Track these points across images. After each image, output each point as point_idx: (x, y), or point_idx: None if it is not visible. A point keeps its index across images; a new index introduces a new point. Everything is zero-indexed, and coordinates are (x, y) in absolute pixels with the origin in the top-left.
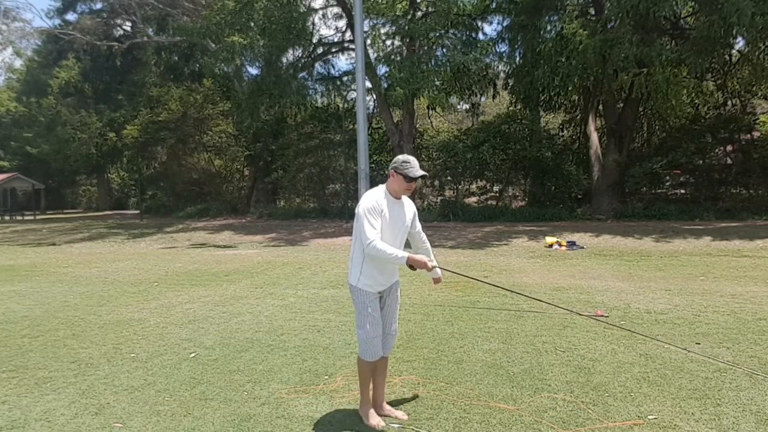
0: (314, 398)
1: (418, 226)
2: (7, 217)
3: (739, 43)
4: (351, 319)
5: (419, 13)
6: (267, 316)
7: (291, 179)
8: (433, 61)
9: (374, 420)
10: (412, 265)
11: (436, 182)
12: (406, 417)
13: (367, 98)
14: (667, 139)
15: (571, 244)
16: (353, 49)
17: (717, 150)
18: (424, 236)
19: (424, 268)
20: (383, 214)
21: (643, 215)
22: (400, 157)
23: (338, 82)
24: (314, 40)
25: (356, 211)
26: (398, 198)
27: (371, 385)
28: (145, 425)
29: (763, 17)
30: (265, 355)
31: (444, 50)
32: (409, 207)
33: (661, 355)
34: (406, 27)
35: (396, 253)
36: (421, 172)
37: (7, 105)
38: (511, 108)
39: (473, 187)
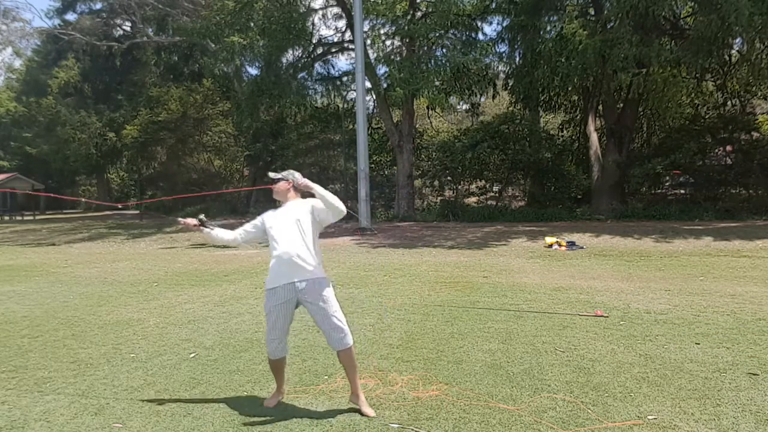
0: (314, 398)
1: (316, 211)
2: (6, 218)
3: (738, 44)
4: (351, 319)
5: (419, 14)
6: None
7: None
8: (432, 61)
9: (269, 402)
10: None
11: (436, 182)
12: (373, 414)
13: (367, 98)
14: (666, 140)
15: (571, 245)
16: (353, 50)
17: (717, 150)
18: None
19: (189, 225)
20: (262, 223)
21: (643, 215)
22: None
23: (338, 82)
24: (314, 41)
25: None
26: (283, 201)
27: (284, 377)
28: (145, 425)
29: (762, 17)
30: (265, 356)
31: (444, 50)
32: (297, 207)
33: (661, 356)
34: (406, 27)
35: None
36: (272, 175)
37: (7, 105)
38: (510, 108)
39: (473, 187)
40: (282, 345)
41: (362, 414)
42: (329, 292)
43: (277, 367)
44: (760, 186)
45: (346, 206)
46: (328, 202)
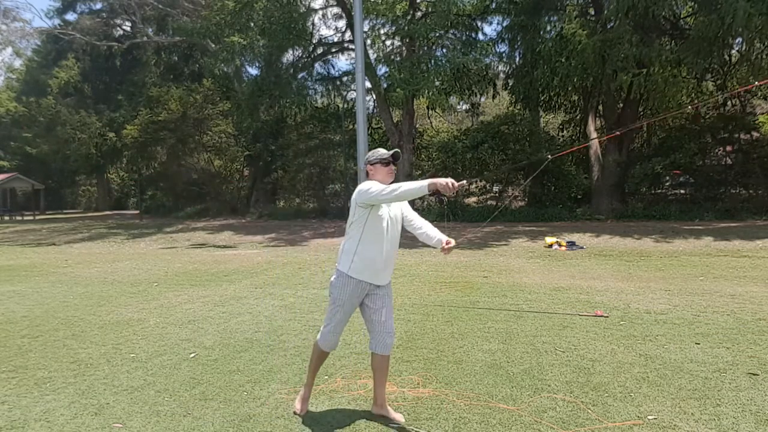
0: (314, 398)
1: (412, 214)
2: (6, 217)
3: (738, 44)
4: (351, 319)
5: (419, 14)
6: (267, 317)
7: (291, 179)
8: (433, 61)
9: (299, 405)
10: (437, 190)
11: None
12: (403, 420)
13: (367, 98)
14: (666, 140)
15: (571, 245)
16: (353, 50)
17: (717, 150)
18: (420, 219)
19: (448, 190)
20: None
21: (643, 215)
22: (368, 154)
23: (338, 82)
24: (314, 41)
25: (353, 197)
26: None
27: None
28: (145, 425)
29: (761, 17)
30: (265, 356)
31: (444, 50)
32: (399, 204)
33: (661, 356)
34: (406, 27)
35: (416, 184)
36: (393, 151)
37: (7, 105)
38: (510, 108)
39: (473, 187)
40: (339, 337)
41: (391, 420)
42: (392, 296)
43: (322, 361)
44: (760, 186)
45: (346, 206)
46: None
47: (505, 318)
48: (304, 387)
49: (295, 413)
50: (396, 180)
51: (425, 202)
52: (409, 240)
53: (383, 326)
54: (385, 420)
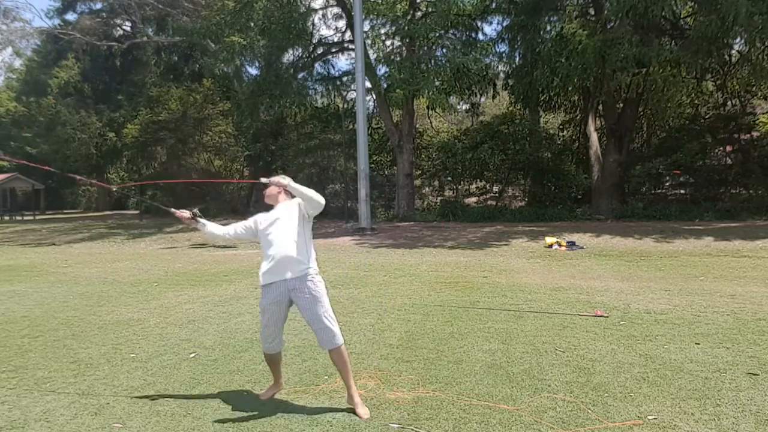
0: (314, 398)
1: (302, 206)
2: (6, 217)
3: (739, 43)
4: (351, 319)
5: (419, 14)
6: None
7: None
8: (433, 61)
9: (264, 395)
10: (180, 217)
11: (436, 182)
12: (367, 415)
13: (367, 98)
14: (666, 140)
15: (571, 245)
16: (353, 50)
17: (717, 150)
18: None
19: (183, 218)
20: (255, 224)
21: (643, 215)
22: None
23: (338, 82)
24: (314, 40)
25: None
26: (275, 204)
27: (280, 371)
28: (145, 425)
29: (761, 17)
30: None
31: (444, 51)
32: (288, 207)
33: (661, 356)
34: (406, 27)
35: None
36: (264, 180)
37: (7, 105)
38: (510, 108)
39: (473, 187)
40: (277, 341)
41: (356, 415)
42: (321, 291)
43: (273, 361)
44: (760, 186)
45: (346, 206)
46: (305, 196)
47: (505, 318)
48: (274, 381)
49: (262, 398)
50: (395, 180)
51: (425, 202)
52: (409, 240)
53: (316, 323)
54: (382, 419)
